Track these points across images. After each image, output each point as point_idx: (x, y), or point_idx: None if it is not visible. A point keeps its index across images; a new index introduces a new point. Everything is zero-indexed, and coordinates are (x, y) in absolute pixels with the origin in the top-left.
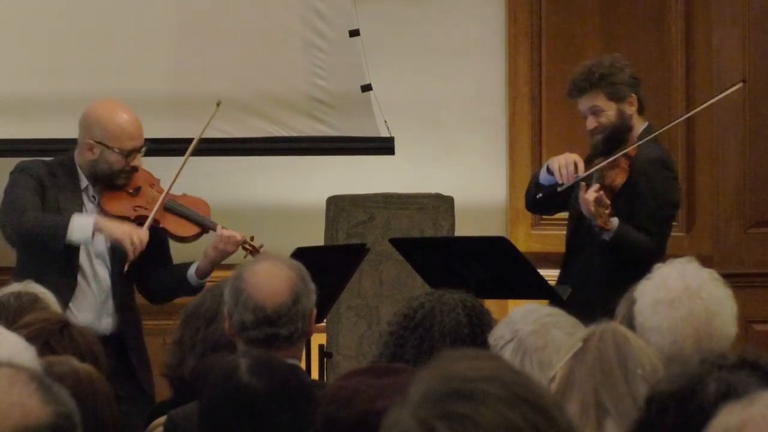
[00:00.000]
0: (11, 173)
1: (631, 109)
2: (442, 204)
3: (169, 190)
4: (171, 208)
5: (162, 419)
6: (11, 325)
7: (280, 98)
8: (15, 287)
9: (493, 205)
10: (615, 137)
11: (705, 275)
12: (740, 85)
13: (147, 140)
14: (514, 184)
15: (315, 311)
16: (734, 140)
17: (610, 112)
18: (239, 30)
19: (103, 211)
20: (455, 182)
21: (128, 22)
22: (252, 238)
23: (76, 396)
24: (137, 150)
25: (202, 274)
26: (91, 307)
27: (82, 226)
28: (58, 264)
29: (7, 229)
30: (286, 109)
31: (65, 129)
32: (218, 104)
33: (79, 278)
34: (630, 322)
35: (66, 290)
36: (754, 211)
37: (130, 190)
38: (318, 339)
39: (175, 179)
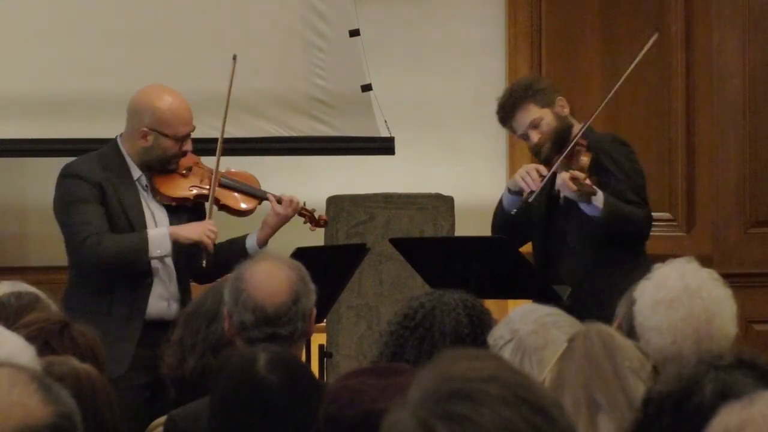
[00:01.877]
0: (61, 178)
1: (564, 111)
2: (442, 204)
3: (217, 167)
4: (226, 184)
5: (162, 419)
6: (11, 325)
7: (280, 98)
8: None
9: (493, 205)
10: (561, 139)
11: (704, 275)
12: (656, 35)
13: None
14: None
15: (315, 311)
16: (734, 140)
17: (547, 118)
18: (239, 30)
19: (160, 195)
20: (455, 182)
21: (128, 23)
22: (304, 203)
23: (77, 396)
24: (189, 135)
25: (263, 243)
26: (164, 295)
27: (159, 241)
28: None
29: (84, 263)
30: (286, 109)
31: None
32: (234, 57)
33: (153, 271)
34: (629, 323)
35: (143, 286)
36: (754, 211)
37: (183, 171)
38: (318, 339)
39: (218, 156)
